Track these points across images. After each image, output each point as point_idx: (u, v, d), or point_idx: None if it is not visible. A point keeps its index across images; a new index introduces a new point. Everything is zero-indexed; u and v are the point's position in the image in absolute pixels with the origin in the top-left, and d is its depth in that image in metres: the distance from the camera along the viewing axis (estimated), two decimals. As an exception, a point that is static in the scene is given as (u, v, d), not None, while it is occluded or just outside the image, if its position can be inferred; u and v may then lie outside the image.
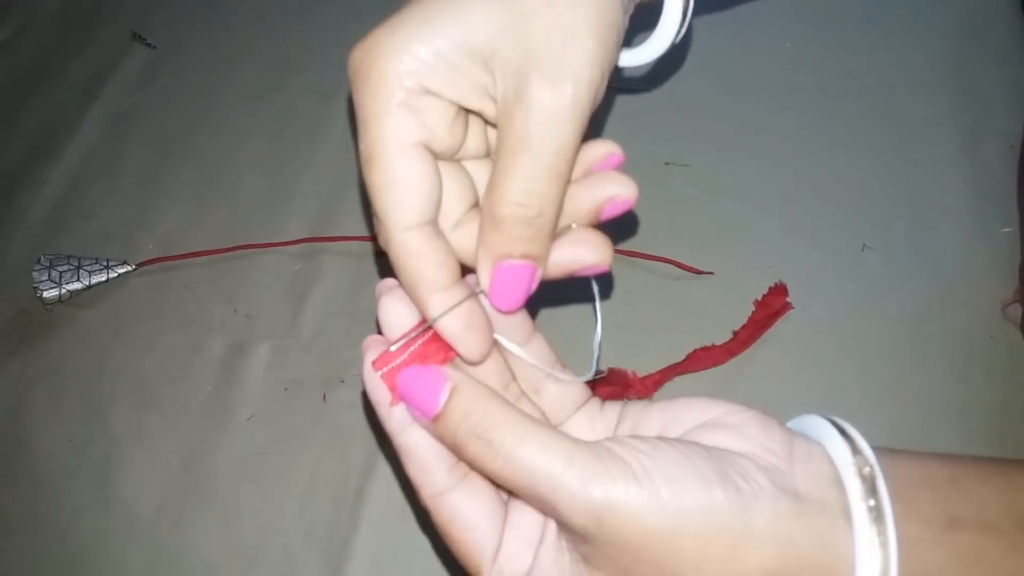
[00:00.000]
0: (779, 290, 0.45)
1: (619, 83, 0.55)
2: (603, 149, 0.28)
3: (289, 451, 0.43)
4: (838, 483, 0.24)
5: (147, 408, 0.45)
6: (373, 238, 0.50)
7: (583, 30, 0.25)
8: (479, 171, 0.29)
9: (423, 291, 0.26)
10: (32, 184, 0.54)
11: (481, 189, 0.29)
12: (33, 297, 0.48)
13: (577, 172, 0.27)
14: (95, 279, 0.49)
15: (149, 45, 0.61)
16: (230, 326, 0.48)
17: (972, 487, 0.24)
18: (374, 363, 0.26)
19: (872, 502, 0.23)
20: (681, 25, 0.34)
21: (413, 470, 0.26)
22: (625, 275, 0.48)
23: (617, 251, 0.48)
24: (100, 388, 0.46)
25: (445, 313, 0.26)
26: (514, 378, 0.29)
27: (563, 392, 0.30)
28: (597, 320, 0.30)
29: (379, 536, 0.41)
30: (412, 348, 0.26)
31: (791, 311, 0.46)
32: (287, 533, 0.41)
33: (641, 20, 0.32)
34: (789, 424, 0.27)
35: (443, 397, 0.25)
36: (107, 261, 0.49)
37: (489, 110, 0.26)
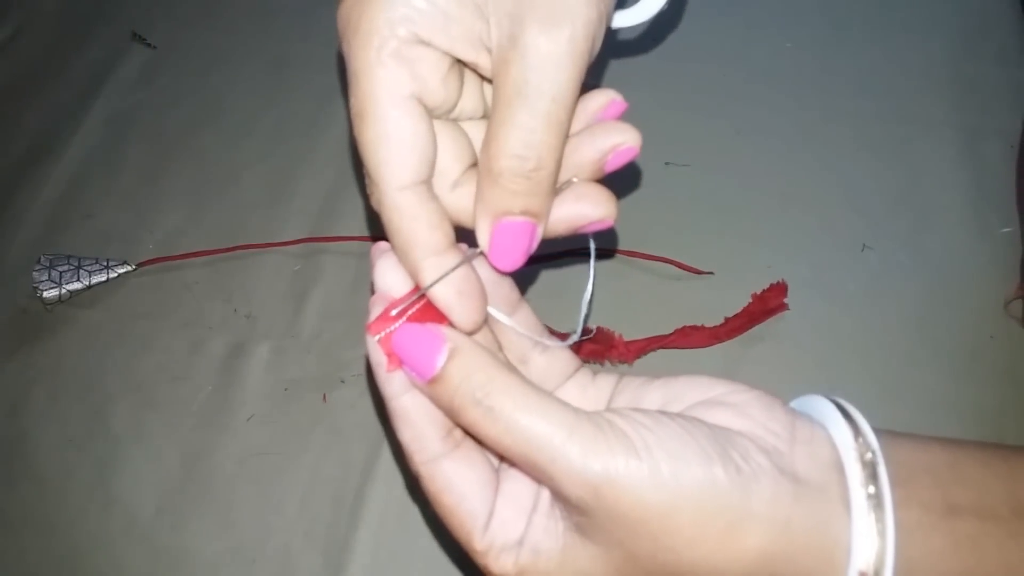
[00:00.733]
0: (779, 288, 0.45)
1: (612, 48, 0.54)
2: (604, 97, 0.27)
3: (289, 451, 0.43)
4: (839, 467, 0.24)
5: (147, 408, 0.45)
6: (373, 238, 0.50)
7: None
8: (477, 132, 0.28)
9: (415, 255, 0.25)
10: (32, 184, 0.54)
11: (479, 149, 0.28)
12: (33, 297, 0.48)
13: (578, 123, 0.27)
14: (95, 279, 0.49)
15: (149, 45, 0.61)
16: (230, 326, 0.48)
17: (972, 473, 0.24)
18: (369, 327, 0.25)
19: (872, 489, 0.23)
20: None
21: (407, 435, 0.26)
22: (625, 275, 0.48)
23: (617, 251, 0.48)
24: (100, 388, 0.46)
25: (439, 280, 0.25)
26: (501, 348, 0.29)
27: (551, 362, 0.29)
28: (590, 278, 0.29)
29: (379, 536, 0.41)
30: (410, 312, 0.25)
31: (793, 311, 0.46)
32: (287, 533, 0.41)
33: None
34: (793, 404, 0.27)
35: (441, 359, 0.24)
36: (107, 261, 0.49)
37: (484, 62, 0.25)
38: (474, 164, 0.28)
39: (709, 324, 0.45)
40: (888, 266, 0.47)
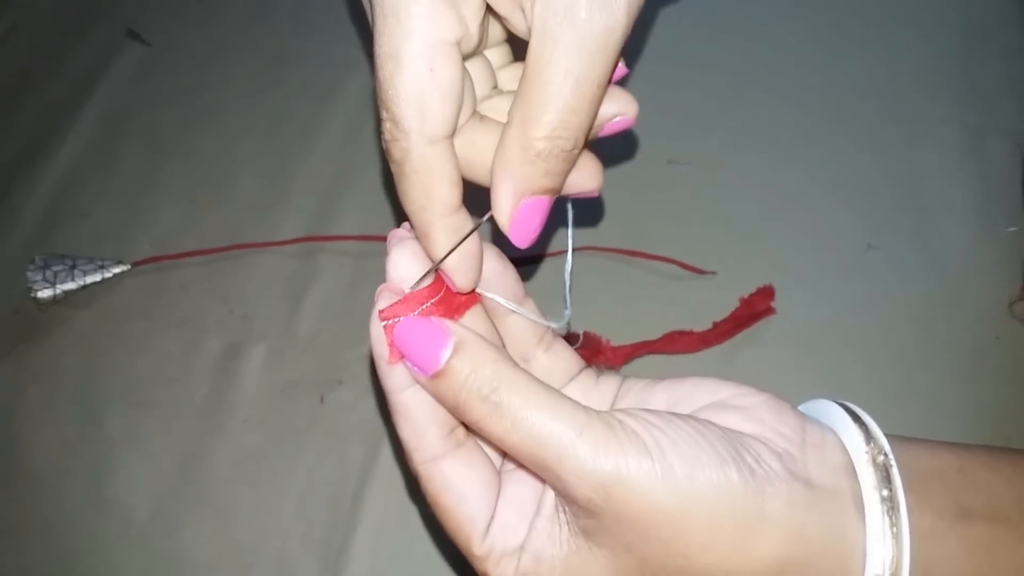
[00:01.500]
0: (766, 292, 0.45)
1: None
2: None
3: (286, 453, 0.43)
4: (850, 471, 0.23)
5: (142, 409, 0.45)
6: (372, 237, 0.50)
7: None
8: (478, 71, 0.27)
9: (433, 213, 0.24)
10: (26, 183, 0.54)
11: (480, 92, 0.27)
12: (27, 297, 0.48)
13: None
14: (90, 279, 0.48)
15: (144, 42, 0.60)
16: (226, 327, 0.47)
17: (982, 477, 0.24)
18: (381, 312, 0.25)
19: (886, 492, 0.22)
20: None
21: (407, 432, 0.25)
22: (626, 274, 0.47)
23: (619, 250, 0.48)
24: (95, 389, 0.45)
25: (453, 249, 0.24)
26: (504, 346, 0.28)
27: (554, 362, 0.29)
28: (569, 247, 0.28)
29: (377, 539, 0.40)
30: (424, 306, 0.25)
31: (797, 311, 0.45)
32: (284, 536, 0.41)
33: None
34: (801, 408, 0.27)
35: (446, 353, 0.23)
36: (102, 261, 0.49)
37: (518, 21, 0.24)
38: (476, 111, 0.27)
39: (710, 325, 0.45)
40: (893, 266, 0.47)
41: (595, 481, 0.22)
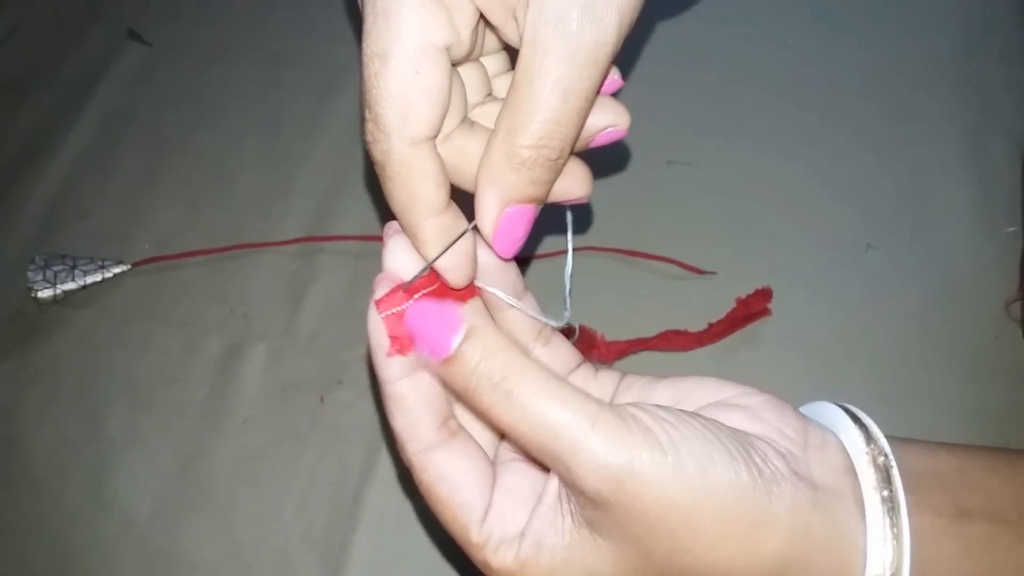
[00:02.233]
0: (763, 293, 0.45)
1: None
2: None
3: (286, 453, 0.43)
4: (851, 472, 0.23)
5: (143, 409, 0.45)
6: (372, 238, 0.50)
7: None
8: (471, 77, 0.27)
9: (418, 212, 0.24)
10: (27, 183, 0.54)
11: (473, 98, 0.27)
12: (28, 297, 0.48)
13: None
14: (90, 279, 0.48)
15: (145, 43, 0.60)
16: (226, 327, 0.47)
17: (980, 477, 0.24)
18: (378, 303, 0.24)
19: (886, 493, 0.23)
20: None
21: (400, 422, 0.25)
22: (627, 274, 0.47)
23: (619, 250, 0.48)
24: (95, 389, 0.45)
25: (444, 251, 0.25)
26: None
27: (552, 357, 0.29)
28: (569, 251, 0.28)
29: (377, 539, 0.40)
30: (422, 293, 0.25)
31: (797, 311, 0.45)
32: (284, 536, 0.41)
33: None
34: (801, 410, 0.27)
35: (458, 338, 0.23)
36: (102, 261, 0.49)
37: (510, 31, 0.24)
38: (466, 117, 0.27)
39: (708, 325, 0.45)
40: (893, 266, 0.47)
41: (607, 473, 0.22)
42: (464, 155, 0.25)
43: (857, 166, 0.51)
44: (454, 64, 0.25)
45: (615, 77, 0.26)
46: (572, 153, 0.25)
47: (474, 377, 0.23)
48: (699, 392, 0.26)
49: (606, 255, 0.48)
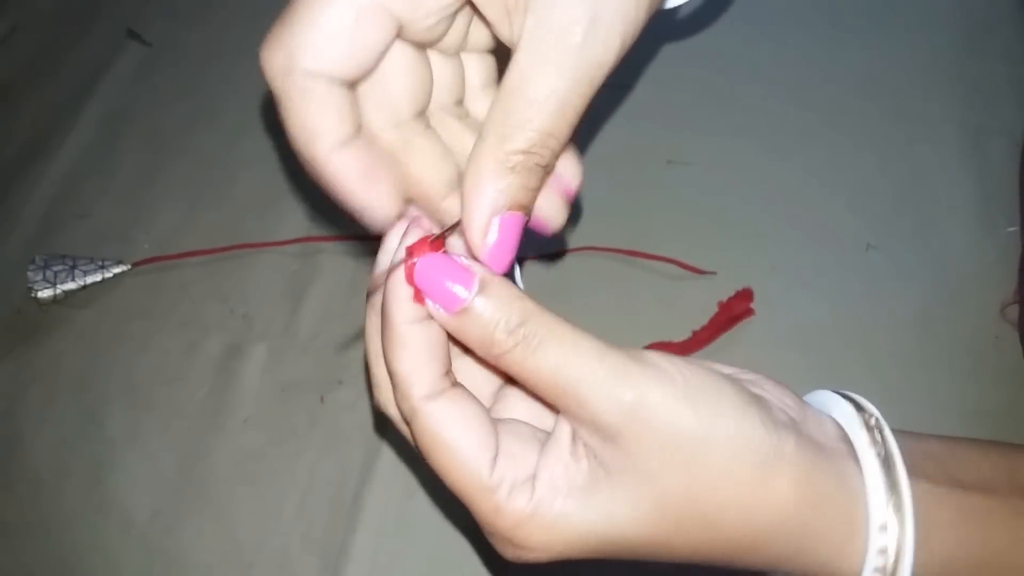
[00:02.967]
0: (744, 295, 0.45)
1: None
2: None
3: (286, 453, 0.43)
4: (847, 440, 0.24)
5: (142, 409, 0.45)
6: (371, 237, 0.50)
7: None
8: (442, 74, 0.26)
9: (319, 147, 0.24)
10: (27, 183, 0.54)
11: (440, 97, 0.26)
12: (28, 297, 0.48)
13: None
14: (90, 279, 0.48)
15: (144, 42, 0.60)
16: (226, 327, 0.47)
17: (971, 459, 0.25)
18: (411, 248, 0.24)
19: (881, 452, 0.23)
20: None
21: (407, 366, 0.24)
22: (626, 274, 0.47)
23: (618, 250, 0.48)
24: (95, 389, 0.45)
25: (452, 229, 0.25)
26: None
27: None
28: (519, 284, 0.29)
29: (377, 539, 0.40)
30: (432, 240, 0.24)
31: (796, 310, 0.45)
32: (284, 536, 0.41)
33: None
34: None
35: (473, 290, 0.23)
36: (102, 261, 0.49)
37: (504, 29, 0.24)
38: (423, 111, 0.26)
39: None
40: (892, 266, 0.47)
41: (619, 402, 0.22)
42: (414, 152, 0.25)
43: (857, 166, 0.51)
44: (419, 43, 0.25)
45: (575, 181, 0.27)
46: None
47: (491, 325, 0.23)
48: None
49: (606, 255, 0.48)
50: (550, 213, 0.27)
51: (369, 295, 0.26)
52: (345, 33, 0.23)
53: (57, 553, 0.41)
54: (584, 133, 0.53)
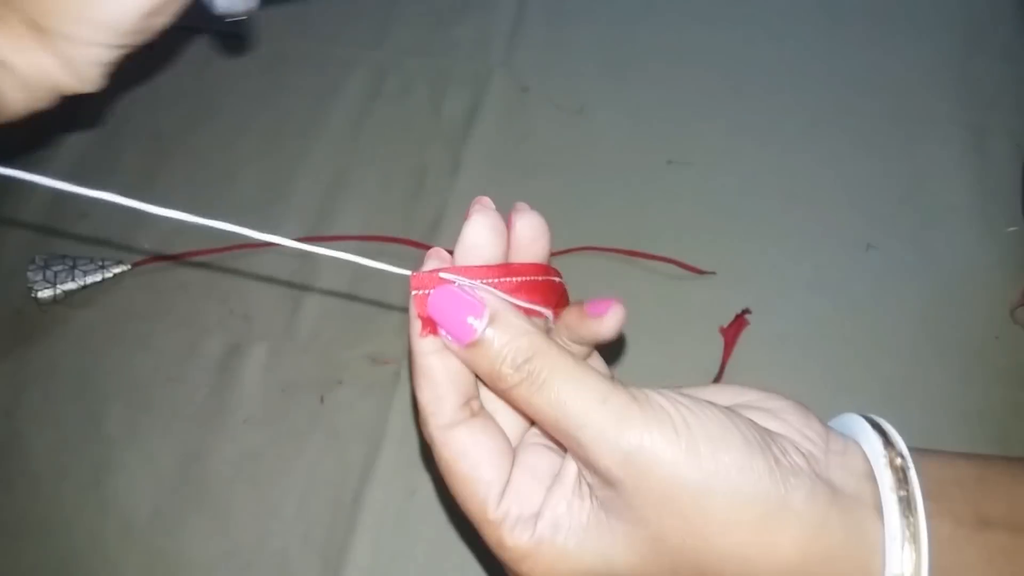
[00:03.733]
0: (739, 320, 0.45)
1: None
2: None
3: (286, 453, 0.43)
4: (871, 478, 0.23)
5: (142, 410, 0.45)
6: (371, 237, 0.50)
7: None
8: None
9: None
10: (26, 183, 0.53)
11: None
12: (27, 297, 0.48)
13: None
14: (90, 279, 0.48)
15: (145, 42, 0.60)
16: (226, 327, 0.47)
17: (1002, 487, 0.24)
18: (413, 278, 0.25)
19: (903, 493, 0.22)
20: None
21: (427, 396, 0.25)
22: (626, 274, 0.47)
23: (618, 250, 0.48)
24: (95, 389, 0.45)
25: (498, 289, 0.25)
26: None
27: None
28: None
29: (377, 539, 0.40)
30: (458, 285, 0.25)
31: (797, 311, 0.45)
32: (284, 536, 0.41)
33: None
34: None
35: (482, 323, 0.24)
36: (102, 261, 0.49)
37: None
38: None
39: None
40: (893, 266, 0.47)
41: (617, 449, 0.22)
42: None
43: (858, 165, 0.51)
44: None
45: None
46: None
47: (499, 359, 0.24)
48: (720, 396, 0.26)
49: (606, 255, 0.48)
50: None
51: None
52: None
53: (57, 553, 0.41)
54: (584, 133, 0.53)
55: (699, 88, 0.55)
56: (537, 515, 0.24)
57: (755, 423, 0.23)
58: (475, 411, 0.26)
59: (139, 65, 0.35)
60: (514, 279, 0.26)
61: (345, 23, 0.59)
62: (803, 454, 0.23)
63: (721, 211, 0.50)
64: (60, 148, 0.55)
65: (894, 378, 0.43)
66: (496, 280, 0.25)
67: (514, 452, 0.26)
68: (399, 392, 0.44)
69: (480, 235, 0.25)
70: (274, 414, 0.44)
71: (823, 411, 0.26)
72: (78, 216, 0.52)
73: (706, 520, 0.22)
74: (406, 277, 0.26)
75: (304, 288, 0.48)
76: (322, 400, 0.44)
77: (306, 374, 0.45)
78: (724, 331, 0.45)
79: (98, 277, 0.48)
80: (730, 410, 0.24)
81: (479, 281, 0.25)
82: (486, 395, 0.27)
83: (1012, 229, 0.48)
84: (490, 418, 0.26)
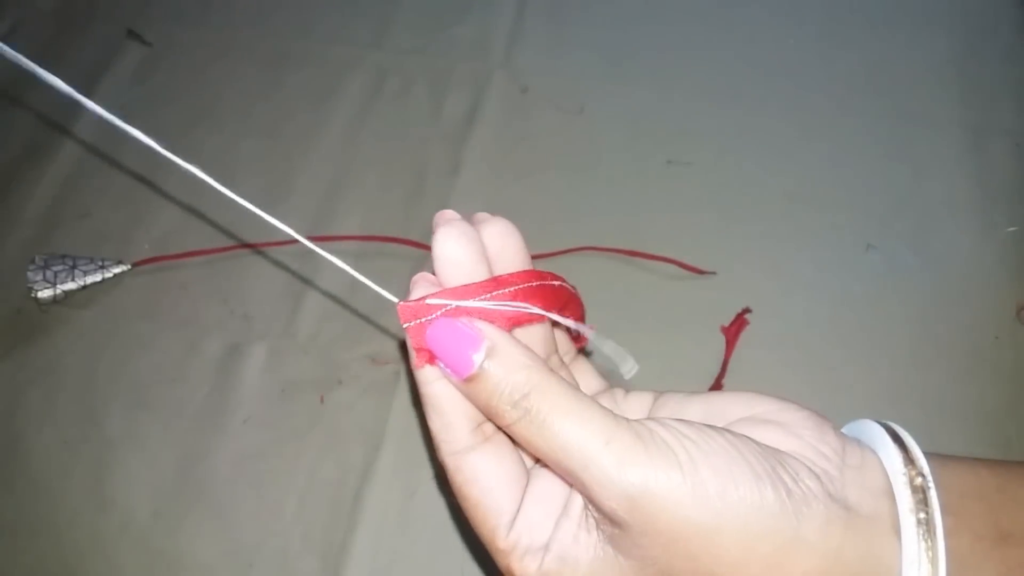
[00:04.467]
0: (740, 320, 0.45)
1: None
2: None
3: (286, 453, 0.43)
4: (889, 494, 0.23)
5: (143, 410, 0.45)
6: (371, 237, 0.50)
7: None
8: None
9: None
10: (27, 183, 0.54)
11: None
12: (28, 297, 0.48)
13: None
14: (90, 279, 0.48)
15: (144, 42, 0.60)
16: (226, 326, 0.47)
17: (1022, 496, 0.23)
18: (401, 311, 0.24)
19: (923, 515, 0.22)
20: None
21: (436, 424, 0.25)
22: (626, 274, 0.47)
23: (619, 250, 0.48)
24: (95, 389, 0.45)
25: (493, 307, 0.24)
26: (557, 349, 0.28)
27: (580, 378, 0.29)
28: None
29: (377, 539, 0.40)
30: (448, 307, 0.23)
31: (797, 311, 0.45)
32: (284, 536, 0.41)
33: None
34: (843, 429, 0.26)
35: (479, 357, 0.23)
36: (102, 261, 0.49)
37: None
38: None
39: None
40: (893, 266, 0.47)
41: (621, 492, 0.21)
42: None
43: (857, 166, 0.51)
44: None
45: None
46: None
47: (495, 395, 0.23)
48: (734, 406, 0.25)
49: (606, 255, 0.48)
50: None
51: None
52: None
53: (57, 553, 0.41)
54: (584, 133, 0.53)
55: (699, 88, 0.55)
56: (546, 547, 0.24)
57: (764, 448, 0.23)
58: (488, 435, 0.25)
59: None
60: (506, 290, 0.24)
61: (345, 23, 0.60)
62: (816, 475, 0.22)
63: (721, 211, 0.50)
64: (60, 148, 0.55)
65: (894, 378, 0.43)
66: (488, 295, 0.24)
67: (528, 475, 0.26)
68: (399, 392, 0.44)
69: (452, 248, 0.24)
70: (274, 414, 0.44)
71: (823, 411, 0.26)
72: (78, 216, 0.52)
73: (716, 560, 0.21)
74: (404, 280, 0.25)
75: (304, 288, 0.48)
76: (322, 400, 0.44)
77: (306, 374, 0.45)
78: (725, 330, 0.45)
79: (98, 277, 0.48)
80: (738, 436, 0.23)
81: (474, 300, 0.24)
82: None
83: (1012, 229, 0.48)
84: (505, 442, 0.25)
